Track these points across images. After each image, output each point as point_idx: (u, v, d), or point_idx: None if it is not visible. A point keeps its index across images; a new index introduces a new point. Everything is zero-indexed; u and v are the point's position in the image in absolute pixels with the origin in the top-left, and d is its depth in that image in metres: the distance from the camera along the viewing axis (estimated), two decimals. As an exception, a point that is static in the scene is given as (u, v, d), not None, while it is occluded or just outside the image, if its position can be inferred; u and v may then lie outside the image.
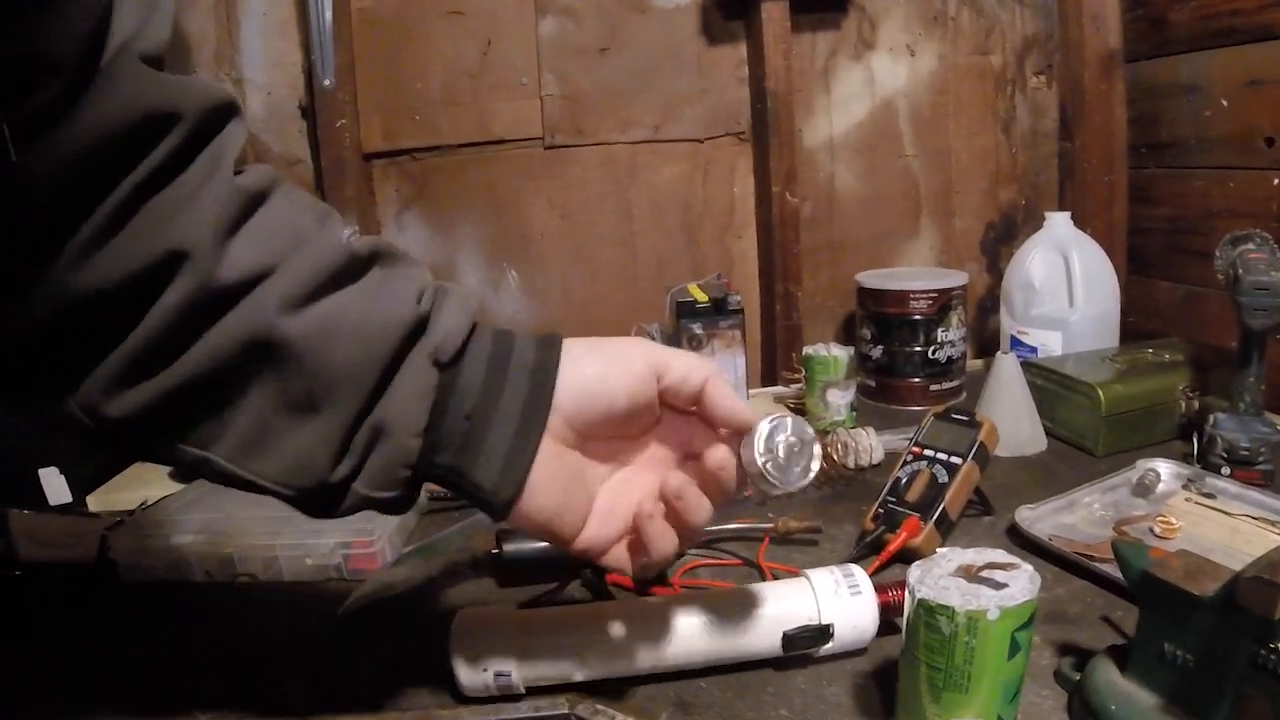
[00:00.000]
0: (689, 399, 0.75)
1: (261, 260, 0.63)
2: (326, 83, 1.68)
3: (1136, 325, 1.90)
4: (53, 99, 0.55)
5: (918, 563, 0.75)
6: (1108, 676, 0.77)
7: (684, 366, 0.73)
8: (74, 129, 0.56)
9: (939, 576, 0.72)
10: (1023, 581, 0.70)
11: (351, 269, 0.68)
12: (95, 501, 1.35)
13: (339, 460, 0.67)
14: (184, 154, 0.62)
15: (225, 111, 0.66)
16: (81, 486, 1.34)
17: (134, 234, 0.60)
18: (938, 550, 0.77)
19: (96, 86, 0.57)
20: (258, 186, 0.66)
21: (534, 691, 0.85)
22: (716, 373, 0.75)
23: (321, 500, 0.69)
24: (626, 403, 0.72)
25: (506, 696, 0.84)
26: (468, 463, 0.69)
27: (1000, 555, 0.74)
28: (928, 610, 0.70)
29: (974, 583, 0.70)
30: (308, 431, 0.66)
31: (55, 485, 1.30)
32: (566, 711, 0.83)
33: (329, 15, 1.65)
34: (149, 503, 1.26)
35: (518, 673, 0.83)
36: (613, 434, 0.76)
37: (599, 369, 0.72)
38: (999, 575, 0.71)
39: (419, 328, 0.69)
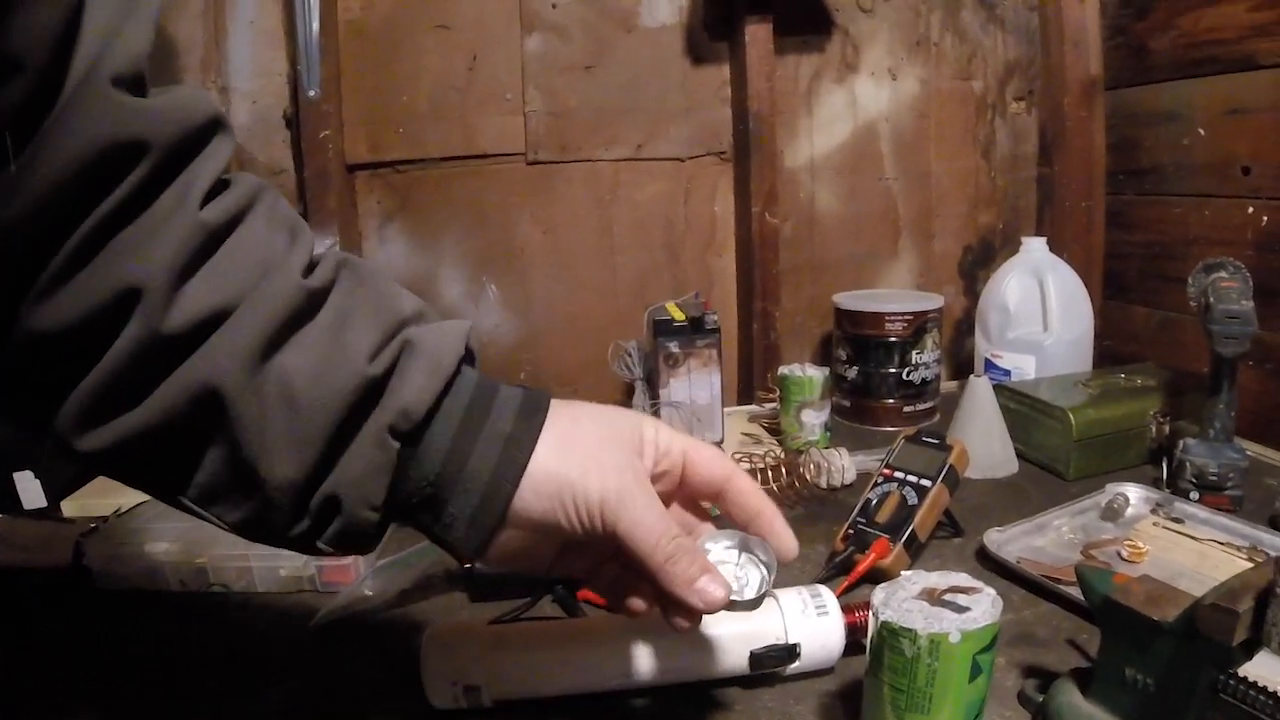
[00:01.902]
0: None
1: (215, 304, 0.60)
2: (312, 93, 1.68)
3: (1113, 350, 1.92)
4: (19, 104, 0.52)
5: (882, 585, 0.76)
6: (1070, 699, 0.78)
7: (644, 535, 0.66)
8: (40, 159, 0.54)
9: (903, 599, 0.73)
10: (985, 605, 0.71)
11: (310, 308, 0.64)
12: (69, 506, 1.34)
13: (294, 523, 0.64)
14: (150, 187, 0.59)
15: (202, 134, 0.62)
16: (57, 491, 1.34)
17: (96, 271, 0.57)
18: (903, 573, 0.78)
19: (63, 113, 0.54)
20: (227, 216, 0.62)
21: (503, 706, 0.85)
22: (668, 550, 0.66)
23: (286, 546, 0.67)
24: (577, 539, 0.68)
25: (476, 711, 0.85)
26: (429, 521, 0.67)
27: (963, 579, 0.75)
28: (891, 632, 0.71)
29: (937, 606, 0.72)
30: (259, 498, 0.63)
31: (30, 490, 1.30)
32: (534, 725, 0.84)
33: (316, 26, 1.65)
34: (123, 509, 1.26)
35: (487, 688, 0.84)
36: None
37: (550, 503, 0.65)
38: (961, 599, 0.72)
39: (369, 392, 0.63)
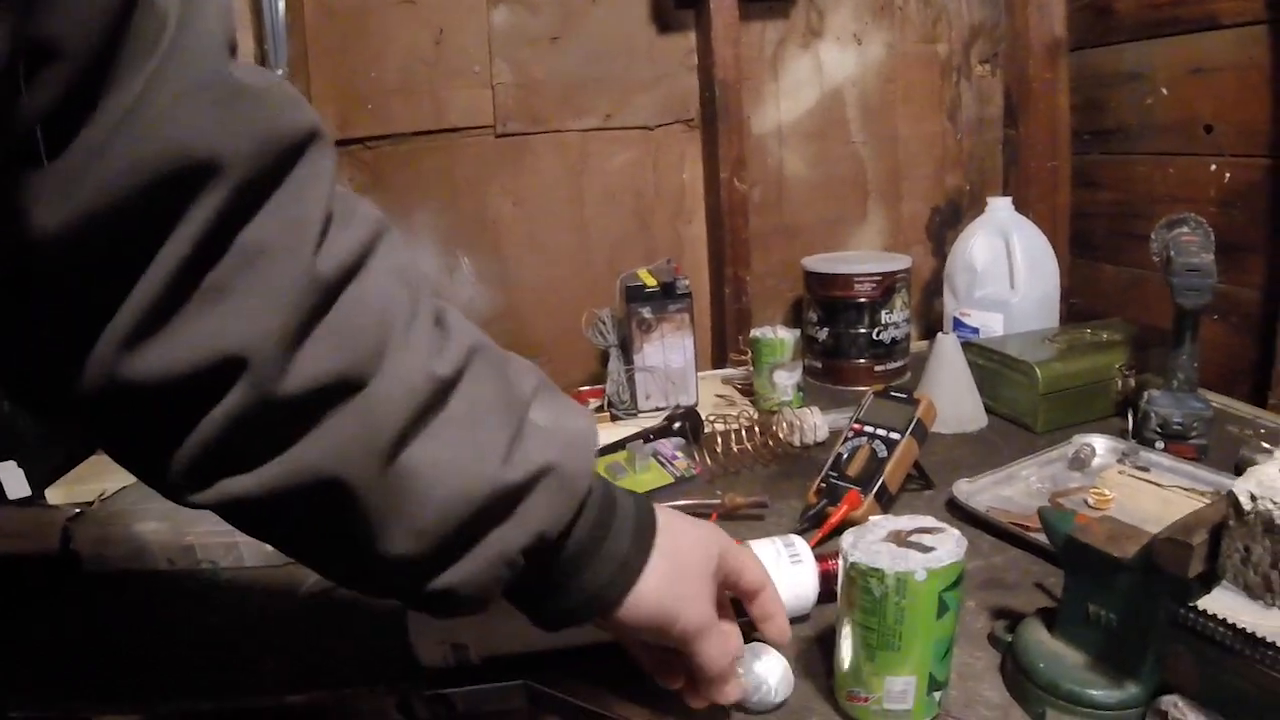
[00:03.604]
0: None
1: (334, 370, 0.56)
2: (279, 72, 1.68)
3: (1081, 307, 1.94)
4: (58, 97, 0.45)
5: (850, 530, 0.78)
6: (1036, 636, 0.80)
7: (711, 660, 0.74)
8: (93, 165, 0.47)
9: (871, 542, 0.75)
10: (949, 545, 0.74)
11: (440, 399, 0.61)
12: (54, 494, 1.34)
13: (394, 591, 0.67)
14: (232, 218, 0.52)
15: (293, 151, 0.56)
16: (41, 479, 1.34)
17: (191, 323, 0.52)
18: (871, 518, 0.80)
19: (118, 111, 0.47)
20: (344, 267, 0.57)
21: (490, 663, 0.87)
22: (723, 671, 0.75)
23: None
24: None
25: (464, 668, 0.86)
26: (518, 600, 0.72)
27: (929, 521, 0.77)
28: (860, 573, 0.73)
29: (903, 547, 0.74)
30: (365, 568, 0.64)
31: (14, 478, 1.31)
32: (521, 683, 0.85)
33: (281, 5, 1.65)
34: (108, 493, 1.26)
35: (474, 645, 0.86)
36: None
37: (648, 622, 0.72)
38: (927, 539, 0.74)
39: (501, 499, 0.63)
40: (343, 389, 0.56)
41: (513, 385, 0.67)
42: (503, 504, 0.63)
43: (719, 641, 0.74)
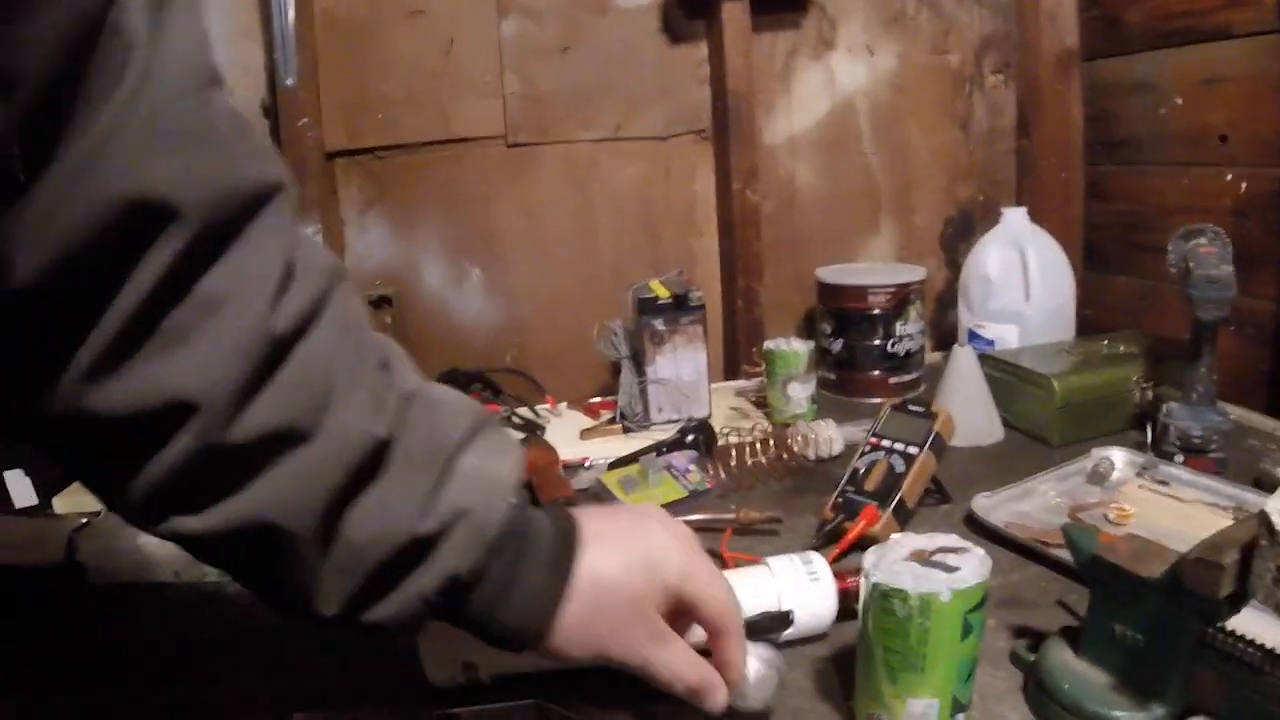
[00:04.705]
0: None
1: (280, 423, 0.58)
2: (289, 82, 1.68)
3: (1094, 319, 1.93)
4: (22, 123, 0.46)
5: (872, 548, 0.77)
6: (1061, 657, 0.79)
7: (670, 683, 0.72)
8: (67, 203, 0.49)
9: (893, 561, 0.74)
10: (973, 564, 0.72)
11: (377, 458, 0.64)
12: (61, 503, 1.34)
13: (333, 627, 0.67)
14: (191, 265, 0.54)
15: (254, 204, 0.57)
16: (48, 488, 1.33)
17: (142, 365, 0.54)
18: (892, 536, 0.79)
19: (87, 147, 0.49)
20: (296, 323, 0.59)
21: (501, 682, 0.85)
22: (692, 685, 0.73)
23: None
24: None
25: (474, 688, 0.85)
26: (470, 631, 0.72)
27: (952, 540, 0.76)
28: (882, 594, 0.72)
29: (926, 566, 0.72)
30: (305, 614, 0.66)
31: (20, 488, 1.30)
32: (532, 702, 0.84)
33: (291, 15, 1.65)
34: (114, 503, 1.25)
35: (485, 664, 0.84)
36: None
37: (583, 653, 0.72)
38: (950, 559, 0.73)
39: (417, 548, 0.65)
40: (288, 441, 0.59)
41: (444, 432, 0.68)
42: (419, 550, 0.65)
43: (667, 664, 0.72)
